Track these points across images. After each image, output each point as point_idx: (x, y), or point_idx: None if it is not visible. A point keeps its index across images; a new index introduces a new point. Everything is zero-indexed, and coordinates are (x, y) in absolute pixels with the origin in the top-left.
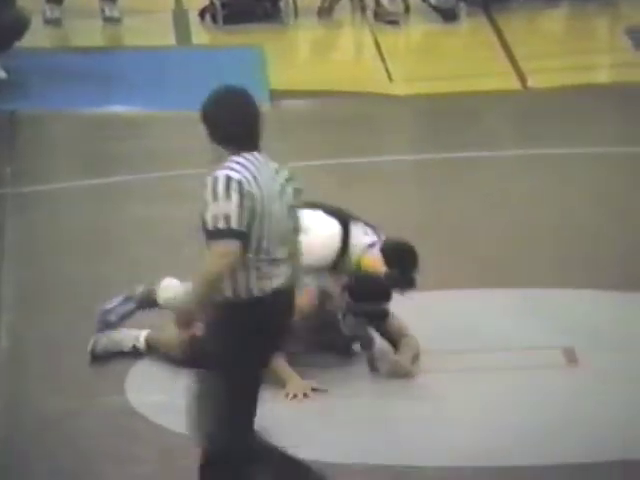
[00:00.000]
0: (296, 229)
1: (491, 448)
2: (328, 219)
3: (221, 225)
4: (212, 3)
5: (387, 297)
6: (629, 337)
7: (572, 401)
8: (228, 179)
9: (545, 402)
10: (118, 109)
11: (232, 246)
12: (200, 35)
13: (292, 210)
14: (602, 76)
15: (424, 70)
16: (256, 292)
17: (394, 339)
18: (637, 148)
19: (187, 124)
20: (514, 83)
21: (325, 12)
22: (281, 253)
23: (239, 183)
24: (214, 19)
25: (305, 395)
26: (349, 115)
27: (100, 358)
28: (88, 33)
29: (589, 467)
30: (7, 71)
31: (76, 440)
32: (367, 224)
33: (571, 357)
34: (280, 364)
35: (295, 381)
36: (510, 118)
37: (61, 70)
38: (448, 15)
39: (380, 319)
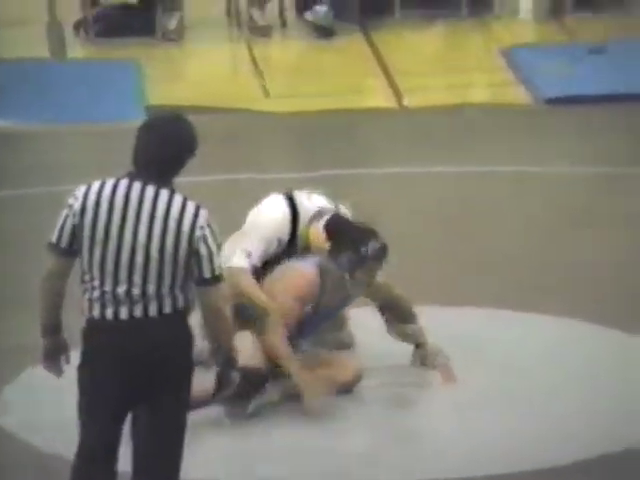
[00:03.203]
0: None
1: (365, 465)
2: (271, 197)
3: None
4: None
5: (374, 233)
6: (514, 357)
7: (442, 419)
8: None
9: (417, 420)
10: None
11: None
12: (76, 48)
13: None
14: (477, 96)
15: (301, 87)
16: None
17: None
18: (509, 167)
19: (63, 138)
20: (390, 101)
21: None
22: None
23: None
24: (87, 32)
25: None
26: (225, 132)
27: None
28: None
29: None
30: None
31: None
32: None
33: (449, 375)
34: (294, 369)
35: (312, 388)
36: (386, 136)
37: None
38: (324, 32)
39: (384, 256)
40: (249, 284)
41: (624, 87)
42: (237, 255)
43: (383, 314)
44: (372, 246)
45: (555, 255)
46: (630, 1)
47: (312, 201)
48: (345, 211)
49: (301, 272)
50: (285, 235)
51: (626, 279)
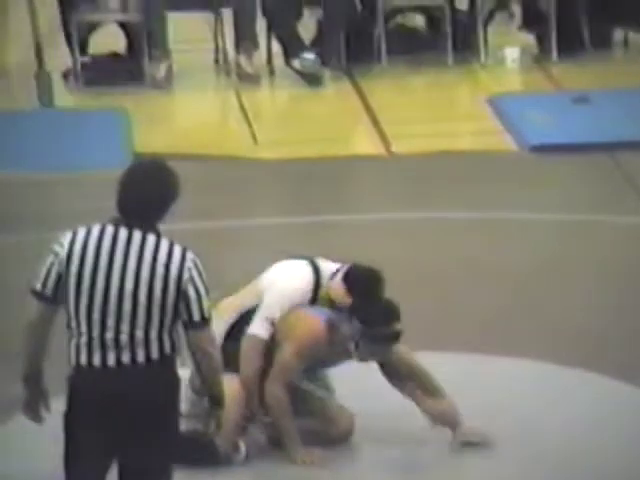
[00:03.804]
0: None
1: None
2: (293, 261)
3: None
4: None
5: (399, 315)
6: (503, 403)
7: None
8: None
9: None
10: None
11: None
12: (64, 97)
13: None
14: (463, 143)
15: (289, 134)
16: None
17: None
18: (496, 214)
19: (50, 186)
20: (378, 148)
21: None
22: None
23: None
24: (76, 81)
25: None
26: (214, 179)
27: None
28: None
29: None
30: None
31: None
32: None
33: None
34: (289, 429)
35: (300, 452)
36: (374, 182)
37: None
38: (312, 80)
39: (396, 340)
40: (250, 361)
41: (608, 136)
42: (260, 321)
43: (403, 387)
44: (388, 330)
45: (539, 301)
46: (615, 51)
47: (332, 264)
48: None
49: (311, 326)
50: (307, 299)
51: (613, 326)
